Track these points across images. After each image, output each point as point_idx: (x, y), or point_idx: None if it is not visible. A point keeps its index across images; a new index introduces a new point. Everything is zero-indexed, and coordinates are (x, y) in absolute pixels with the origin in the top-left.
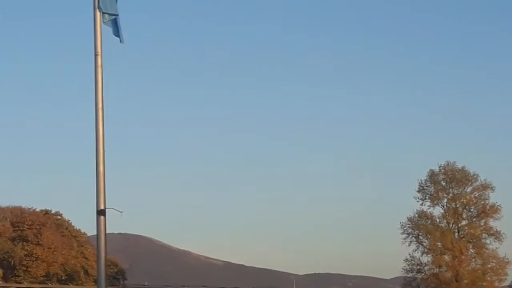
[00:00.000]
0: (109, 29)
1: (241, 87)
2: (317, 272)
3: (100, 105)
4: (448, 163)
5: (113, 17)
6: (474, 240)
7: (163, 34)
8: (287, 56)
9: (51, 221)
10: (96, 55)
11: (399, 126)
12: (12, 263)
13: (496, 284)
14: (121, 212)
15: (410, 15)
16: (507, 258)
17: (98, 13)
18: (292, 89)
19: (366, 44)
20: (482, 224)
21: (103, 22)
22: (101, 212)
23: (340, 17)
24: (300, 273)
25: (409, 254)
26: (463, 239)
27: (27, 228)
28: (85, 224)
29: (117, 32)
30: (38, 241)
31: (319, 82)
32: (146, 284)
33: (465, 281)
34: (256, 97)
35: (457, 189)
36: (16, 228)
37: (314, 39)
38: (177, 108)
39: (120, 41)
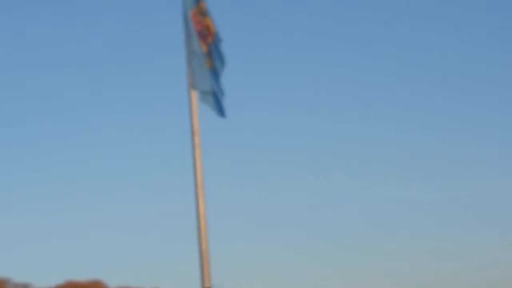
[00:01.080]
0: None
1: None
2: None
3: (199, 182)
4: None
5: (212, 95)
6: None
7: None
8: None
9: None
10: (193, 134)
11: None
12: None
13: None
14: None
15: None
16: None
17: (193, 92)
18: None
19: None
20: None
21: (201, 101)
22: None
23: None
24: None
25: None
26: None
27: None
28: None
29: (217, 109)
30: None
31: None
32: None
33: None
34: None
35: None
36: None
37: None
38: (283, 180)
39: (222, 117)
